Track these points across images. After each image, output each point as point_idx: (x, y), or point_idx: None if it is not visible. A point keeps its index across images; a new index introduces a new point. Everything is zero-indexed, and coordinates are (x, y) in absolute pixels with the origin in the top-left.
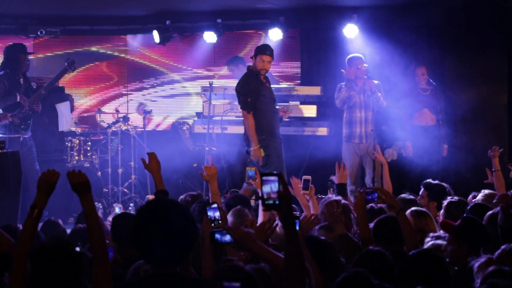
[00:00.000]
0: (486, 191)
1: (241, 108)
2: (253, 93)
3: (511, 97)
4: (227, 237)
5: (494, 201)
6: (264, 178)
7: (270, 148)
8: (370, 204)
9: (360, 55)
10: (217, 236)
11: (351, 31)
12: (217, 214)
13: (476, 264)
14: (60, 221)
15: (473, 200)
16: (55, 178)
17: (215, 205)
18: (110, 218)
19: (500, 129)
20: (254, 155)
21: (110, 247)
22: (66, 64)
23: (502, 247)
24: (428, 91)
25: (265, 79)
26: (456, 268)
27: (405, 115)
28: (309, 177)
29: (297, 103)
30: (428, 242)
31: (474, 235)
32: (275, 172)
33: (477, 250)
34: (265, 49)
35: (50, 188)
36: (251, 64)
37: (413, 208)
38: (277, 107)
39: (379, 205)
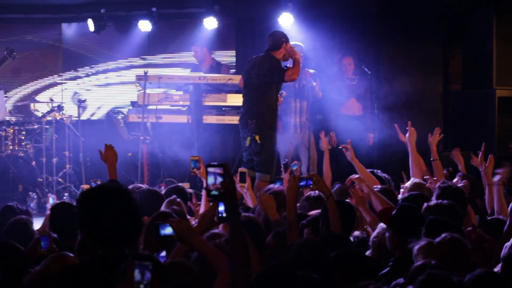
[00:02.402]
0: (416, 180)
1: (280, 78)
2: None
3: (447, 86)
4: (169, 230)
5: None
6: (209, 169)
7: (266, 136)
8: (309, 192)
9: (301, 44)
10: (160, 228)
11: (286, 20)
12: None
13: (416, 247)
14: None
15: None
16: None
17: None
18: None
19: (435, 117)
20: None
21: (44, 236)
22: (5, 52)
23: (443, 234)
24: (355, 80)
25: None
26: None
27: (332, 104)
28: (245, 170)
29: (233, 92)
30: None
31: (409, 224)
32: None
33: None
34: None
35: None
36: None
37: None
38: None
39: (316, 192)
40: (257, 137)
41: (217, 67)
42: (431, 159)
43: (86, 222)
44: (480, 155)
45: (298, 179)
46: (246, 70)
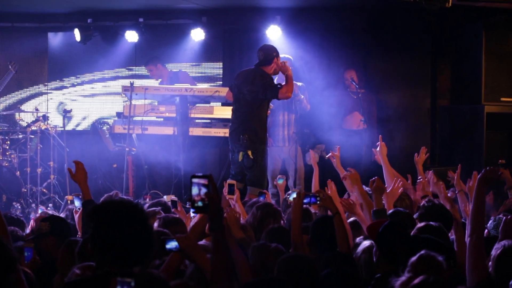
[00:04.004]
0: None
1: (274, 96)
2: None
3: (435, 101)
4: (175, 244)
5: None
6: (194, 180)
7: (258, 151)
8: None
9: (290, 57)
10: (166, 243)
11: (274, 32)
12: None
13: (397, 283)
14: None
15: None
16: None
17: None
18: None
19: (423, 132)
20: None
21: (28, 247)
22: (10, 67)
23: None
24: (360, 94)
25: None
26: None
27: (335, 118)
28: (233, 182)
29: (219, 104)
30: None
31: (393, 245)
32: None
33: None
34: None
35: None
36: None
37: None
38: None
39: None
40: (249, 152)
41: (175, 76)
42: (418, 178)
43: (101, 238)
44: (456, 177)
45: (303, 197)
46: (236, 85)
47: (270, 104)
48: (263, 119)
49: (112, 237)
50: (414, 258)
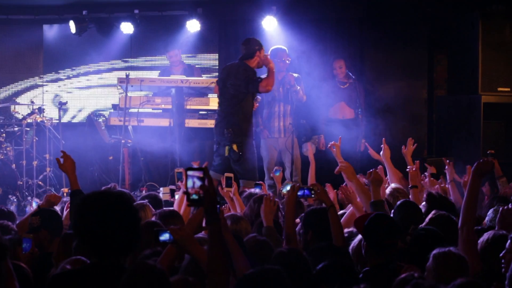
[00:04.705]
0: (393, 185)
1: (255, 89)
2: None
3: (431, 91)
4: (168, 236)
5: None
6: (189, 173)
7: (244, 144)
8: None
9: (284, 48)
10: (160, 234)
11: (270, 23)
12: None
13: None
14: None
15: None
16: None
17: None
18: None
19: (420, 122)
20: None
21: (26, 238)
22: None
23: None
24: (347, 84)
25: None
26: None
27: (322, 107)
28: (231, 175)
29: (215, 95)
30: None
31: (377, 236)
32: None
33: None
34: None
35: None
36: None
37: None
38: None
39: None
40: (234, 146)
41: (190, 69)
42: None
43: (81, 228)
44: (449, 167)
45: (297, 190)
46: (222, 78)
47: (258, 96)
48: (247, 112)
49: (95, 227)
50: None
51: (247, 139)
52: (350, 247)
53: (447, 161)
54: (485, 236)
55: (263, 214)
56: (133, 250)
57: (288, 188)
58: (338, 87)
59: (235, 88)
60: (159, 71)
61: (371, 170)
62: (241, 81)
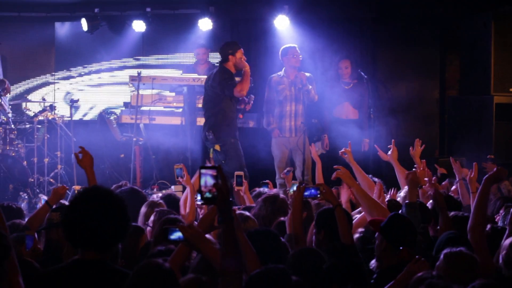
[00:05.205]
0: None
1: (229, 93)
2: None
3: (443, 91)
4: (178, 235)
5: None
6: (202, 171)
7: (227, 144)
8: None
9: (295, 45)
10: (170, 233)
11: (282, 22)
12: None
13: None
14: None
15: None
16: None
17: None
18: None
19: (431, 123)
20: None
21: (29, 236)
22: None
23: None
24: (351, 84)
25: None
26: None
27: (326, 107)
28: (241, 173)
29: None
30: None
31: (398, 235)
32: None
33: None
34: (238, 44)
35: None
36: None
37: None
38: None
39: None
40: (217, 147)
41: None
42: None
43: (67, 219)
44: (457, 166)
45: (303, 190)
46: (205, 82)
47: (251, 96)
48: (227, 114)
49: (78, 220)
50: (447, 256)
51: (231, 139)
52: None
53: (454, 160)
54: (507, 242)
55: (288, 222)
56: (115, 246)
57: (295, 188)
58: (342, 88)
59: (212, 90)
60: (182, 70)
61: (411, 171)
62: (216, 83)
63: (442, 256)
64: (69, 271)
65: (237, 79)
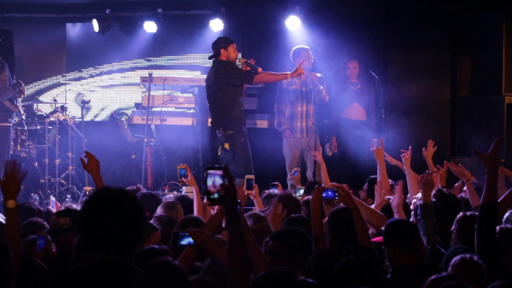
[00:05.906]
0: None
1: (238, 83)
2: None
3: (454, 92)
4: (189, 240)
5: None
6: (209, 171)
7: (236, 143)
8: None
9: (307, 47)
10: (180, 238)
11: (293, 23)
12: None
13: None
14: None
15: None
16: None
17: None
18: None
19: (443, 123)
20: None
21: (41, 236)
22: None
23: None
24: (359, 85)
25: None
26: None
27: (336, 108)
28: (252, 176)
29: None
30: None
31: (399, 234)
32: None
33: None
34: (230, 39)
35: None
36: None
37: None
38: None
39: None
40: (226, 145)
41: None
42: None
43: (83, 224)
44: (460, 169)
45: (323, 190)
46: (206, 84)
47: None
48: (234, 111)
49: (96, 223)
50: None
51: (240, 138)
52: None
53: (454, 164)
54: None
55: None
56: (135, 247)
57: (302, 192)
58: (350, 88)
59: (217, 85)
60: (200, 71)
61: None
62: (221, 74)
63: (450, 266)
64: (90, 271)
65: None
